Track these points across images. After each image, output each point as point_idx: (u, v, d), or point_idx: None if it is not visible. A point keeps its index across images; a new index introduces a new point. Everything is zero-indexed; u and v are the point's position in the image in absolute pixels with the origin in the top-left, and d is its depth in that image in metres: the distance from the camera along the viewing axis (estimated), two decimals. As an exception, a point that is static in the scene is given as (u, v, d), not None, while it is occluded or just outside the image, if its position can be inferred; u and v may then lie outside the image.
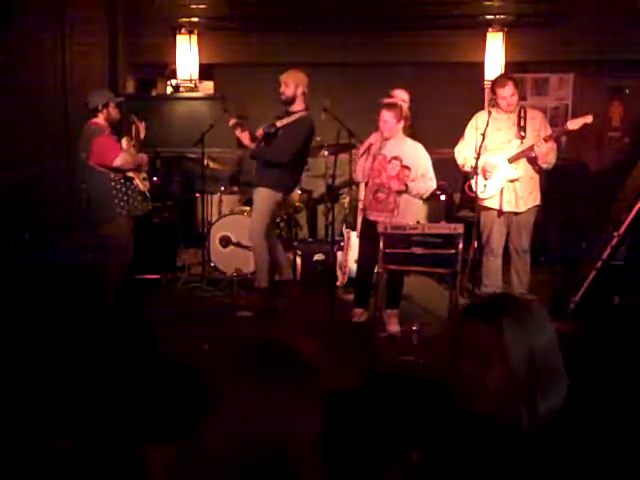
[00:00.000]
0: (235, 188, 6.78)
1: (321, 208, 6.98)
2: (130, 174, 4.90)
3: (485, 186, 5.04)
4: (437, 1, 7.05)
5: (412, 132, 4.85)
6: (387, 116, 4.65)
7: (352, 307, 5.02)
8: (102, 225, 4.90)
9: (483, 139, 4.84)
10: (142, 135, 5.21)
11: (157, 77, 7.66)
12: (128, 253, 4.95)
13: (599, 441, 1.39)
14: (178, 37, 7.28)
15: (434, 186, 4.76)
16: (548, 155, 4.96)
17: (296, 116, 5.22)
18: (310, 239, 6.82)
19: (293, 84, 5.20)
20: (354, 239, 5.66)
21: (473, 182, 4.99)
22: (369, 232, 4.75)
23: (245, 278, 5.87)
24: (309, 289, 5.73)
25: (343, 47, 6.99)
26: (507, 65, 6.84)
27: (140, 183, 4.98)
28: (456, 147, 5.21)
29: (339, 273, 5.83)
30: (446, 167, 5.33)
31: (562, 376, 1.44)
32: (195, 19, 7.29)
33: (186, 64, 7.30)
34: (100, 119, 4.84)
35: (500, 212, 5.07)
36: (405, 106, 4.72)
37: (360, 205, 5.46)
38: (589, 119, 4.81)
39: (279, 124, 5.25)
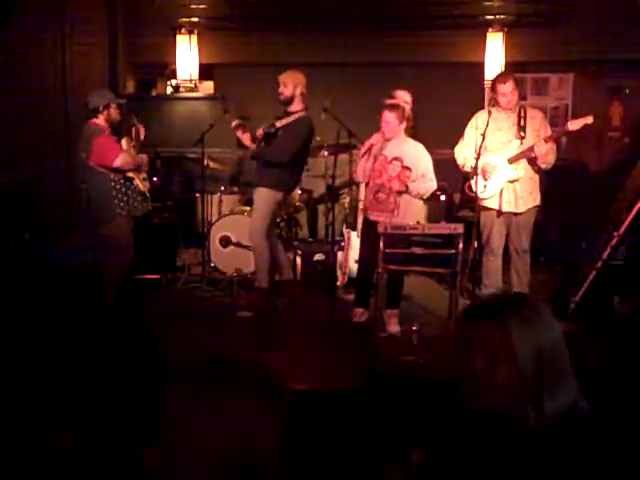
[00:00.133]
0: (235, 188, 6.78)
1: (321, 208, 6.98)
2: (130, 174, 4.90)
3: (485, 186, 5.03)
4: (437, 1, 7.05)
5: (414, 133, 4.85)
6: (389, 117, 4.64)
7: (352, 307, 5.02)
8: (102, 225, 4.89)
9: (483, 139, 4.84)
10: (142, 136, 5.22)
11: (157, 77, 7.66)
12: (128, 253, 4.95)
13: (604, 440, 1.39)
14: (178, 37, 7.29)
15: (434, 187, 4.76)
16: (547, 155, 4.96)
17: (295, 116, 5.23)
18: (310, 239, 6.82)
19: (292, 84, 5.21)
20: (354, 239, 5.67)
21: (473, 182, 4.99)
22: (369, 232, 4.75)
23: (245, 278, 5.87)
24: (309, 289, 5.73)
25: (343, 47, 7.00)
26: (507, 65, 6.84)
27: (140, 183, 4.98)
28: (456, 147, 5.20)
29: (339, 273, 5.83)
30: (446, 167, 5.33)
31: (569, 375, 1.45)
32: (195, 19, 7.29)
33: (186, 64, 7.30)
34: (100, 120, 4.84)
35: (500, 212, 5.07)
36: (407, 107, 4.71)
37: (360, 205, 5.46)
38: (590, 120, 4.80)
39: (279, 124, 5.25)
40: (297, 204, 6.48)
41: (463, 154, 5.13)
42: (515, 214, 5.09)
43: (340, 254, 5.82)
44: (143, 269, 5.65)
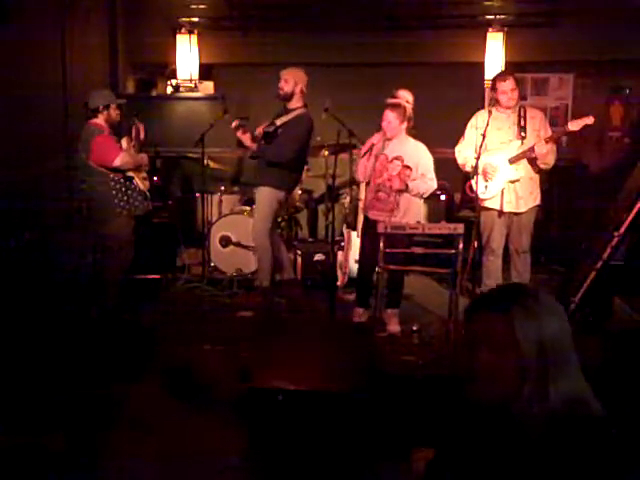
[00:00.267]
0: (235, 188, 6.79)
1: (321, 208, 6.98)
2: (130, 174, 4.91)
3: (486, 187, 5.03)
4: (437, 1, 7.05)
5: (415, 133, 4.85)
6: (390, 116, 4.64)
7: (353, 307, 5.02)
8: (102, 225, 4.89)
9: (483, 139, 4.84)
10: (142, 136, 5.21)
11: (157, 77, 7.66)
12: (128, 253, 4.95)
13: (607, 437, 1.40)
14: (178, 37, 7.29)
15: (434, 186, 4.76)
16: (548, 156, 4.96)
17: (295, 113, 5.23)
18: (310, 239, 6.82)
19: (292, 81, 5.21)
20: (354, 239, 5.67)
21: (474, 182, 4.99)
22: (370, 231, 4.74)
23: (245, 278, 5.87)
24: (309, 289, 5.73)
25: (343, 47, 7.00)
26: (507, 65, 6.84)
27: (140, 183, 4.98)
28: (456, 147, 5.20)
29: (339, 273, 5.83)
30: (446, 167, 5.33)
31: (574, 364, 1.46)
32: (195, 19, 7.30)
33: (186, 64, 7.30)
34: (100, 120, 4.84)
35: (501, 212, 5.07)
36: (409, 107, 4.71)
37: (360, 205, 5.46)
38: (590, 120, 4.80)
39: (278, 122, 5.25)
40: (297, 204, 6.48)
41: (463, 154, 5.13)
42: (516, 214, 5.09)
43: (340, 254, 5.82)
44: (143, 269, 5.65)
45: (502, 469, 1.42)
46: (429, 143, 4.84)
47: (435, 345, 4.50)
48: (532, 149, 4.91)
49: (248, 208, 6.17)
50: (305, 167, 5.79)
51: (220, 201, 6.43)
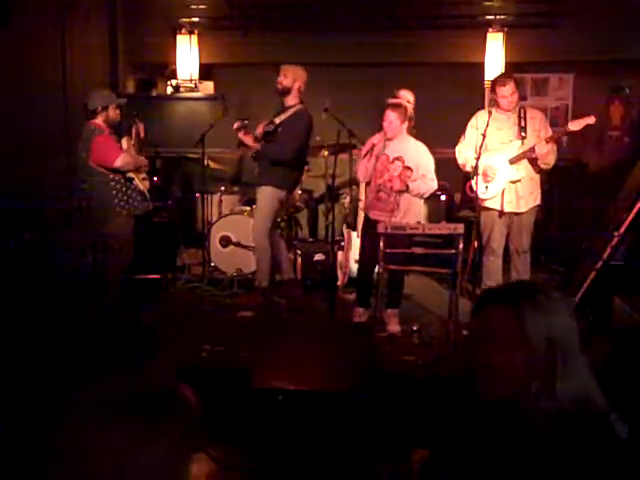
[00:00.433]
0: (235, 188, 6.78)
1: (321, 208, 6.98)
2: (130, 174, 4.91)
3: (487, 187, 5.03)
4: (437, 1, 7.05)
5: (416, 133, 4.85)
6: (391, 116, 4.64)
7: (353, 307, 5.02)
8: (102, 225, 4.89)
9: (483, 139, 4.84)
10: (142, 136, 5.22)
11: (157, 77, 7.66)
12: (128, 253, 4.95)
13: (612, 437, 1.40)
14: (178, 37, 7.29)
15: (435, 187, 4.76)
16: (548, 156, 4.96)
17: (293, 110, 5.23)
18: (310, 239, 6.82)
19: (292, 76, 5.22)
20: (354, 239, 5.67)
21: (474, 182, 4.99)
22: (370, 231, 4.75)
23: (245, 278, 5.87)
24: (309, 289, 5.73)
25: (343, 47, 7.00)
26: (507, 65, 6.84)
27: (140, 183, 4.98)
28: (457, 147, 5.20)
29: (339, 273, 5.83)
30: (447, 167, 5.33)
31: (581, 361, 1.46)
32: (195, 19, 7.30)
33: (186, 64, 7.30)
34: (99, 120, 4.84)
35: (501, 213, 5.07)
36: (410, 107, 4.71)
37: (360, 205, 5.46)
38: (591, 120, 4.79)
39: (277, 120, 5.26)
40: (297, 204, 6.48)
41: (464, 154, 5.13)
42: (516, 214, 5.09)
43: (340, 254, 5.82)
44: (143, 269, 5.64)
45: (506, 467, 1.41)
46: (429, 143, 4.84)
47: (435, 345, 4.50)
48: (532, 149, 4.92)
49: (248, 208, 6.17)
50: (305, 167, 5.79)
51: (220, 201, 6.43)
